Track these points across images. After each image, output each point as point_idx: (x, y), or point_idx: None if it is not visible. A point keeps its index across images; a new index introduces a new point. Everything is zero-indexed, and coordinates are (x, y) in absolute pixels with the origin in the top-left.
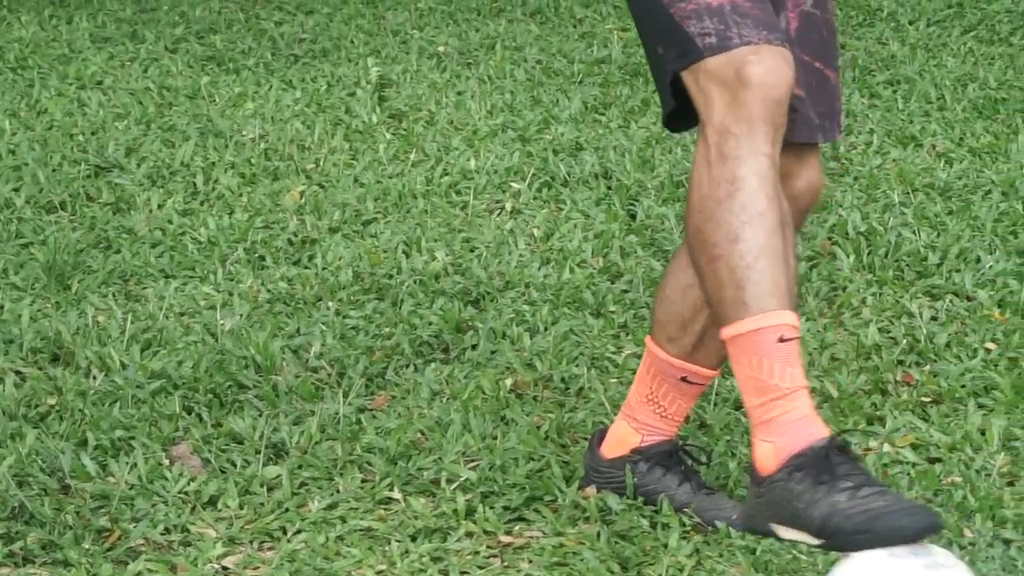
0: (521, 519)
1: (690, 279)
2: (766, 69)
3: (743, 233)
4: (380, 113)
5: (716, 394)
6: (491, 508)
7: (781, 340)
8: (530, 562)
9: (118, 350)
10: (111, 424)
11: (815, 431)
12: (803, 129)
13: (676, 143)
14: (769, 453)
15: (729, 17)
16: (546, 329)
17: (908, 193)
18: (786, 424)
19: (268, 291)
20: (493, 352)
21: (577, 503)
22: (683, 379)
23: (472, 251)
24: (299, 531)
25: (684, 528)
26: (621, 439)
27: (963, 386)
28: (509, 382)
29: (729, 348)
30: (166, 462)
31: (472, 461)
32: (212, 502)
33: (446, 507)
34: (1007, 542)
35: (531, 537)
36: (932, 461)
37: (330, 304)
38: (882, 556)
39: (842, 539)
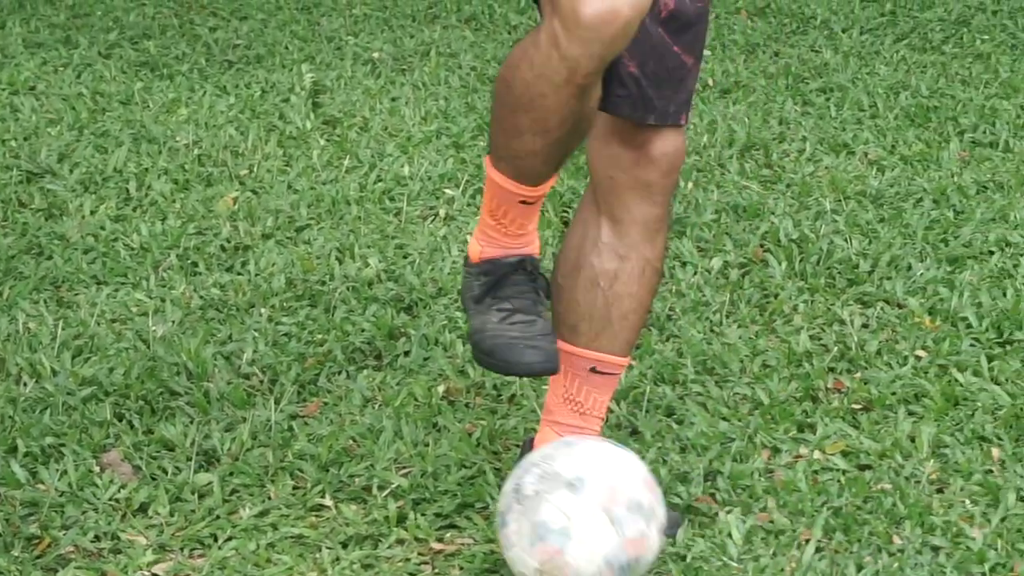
0: (453, 526)
1: (576, 260)
2: (596, 11)
3: (528, 113)
4: (314, 119)
5: (648, 401)
6: (423, 515)
7: (522, 202)
8: (461, 569)
9: (49, 357)
10: (41, 431)
11: (519, 248)
12: (636, 107)
13: None
14: (475, 250)
15: None
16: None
17: (840, 200)
18: (502, 238)
19: (201, 297)
20: (426, 359)
21: None
22: (593, 370)
23: (405, 258)
24: (230, 538)
25: None
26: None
27: (893, 393)
28: (441, 389)
29: (488, 171)
30: (97, 469)
31: (404, 468)
32: (143, 509)
33: (377, 514)
34: (935, 549)
35: (463, 544)
36: (862, 468)
37: (263, 311)
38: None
39: (476, 355)
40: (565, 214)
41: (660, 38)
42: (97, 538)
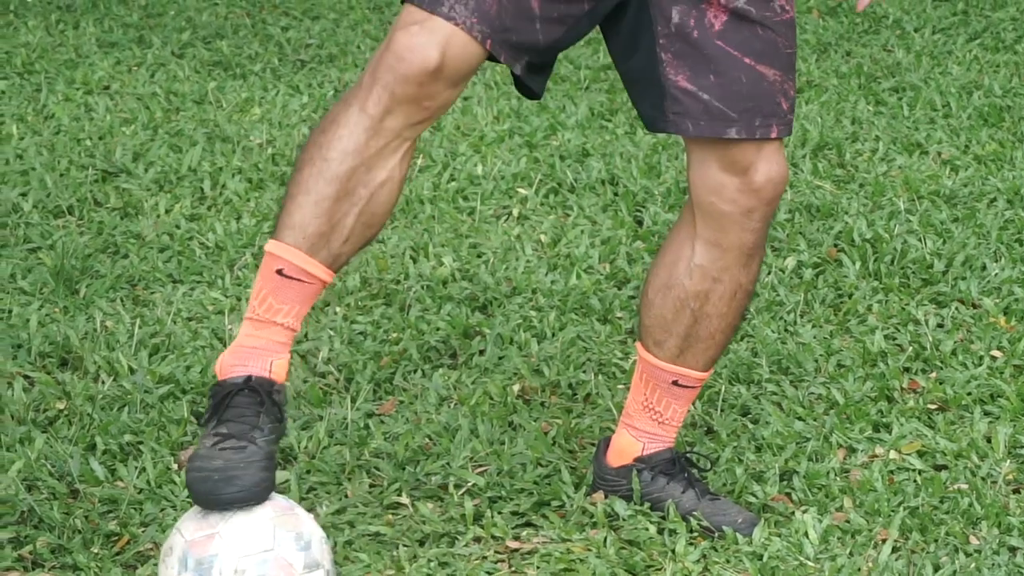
0: (529, 524)
1: (668, 279)
2: (409, 44)
3: (305, 167)
4: None
5: (723, 400)
6: (499, 513)
7: (279, 273)
8: (537, 568)
9: (126, 355)
10: (120, 429)
11: (251, 365)
12: (703, 121)
13: (683, 150)
14: (218, 364)
15: None
16: (553, 335)
17: (914, 200)
18: (241, 346)
19: None
20: (500, 358)
21: (585, 509)
22: (675, 383)
23: (479, 257)
24: None
25: (691, 534)
26: (623, 449)
27: (969, 393)
28: (516, 388)
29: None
30: (174, 467)
31: (480, 466)
32: None
33: (454, 512)
34: (1013, 549)
35: (538, 543)
36: (938, 468)
37: (338, 309)
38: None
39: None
40: (638, 213)
41: (719, 50)
42: None
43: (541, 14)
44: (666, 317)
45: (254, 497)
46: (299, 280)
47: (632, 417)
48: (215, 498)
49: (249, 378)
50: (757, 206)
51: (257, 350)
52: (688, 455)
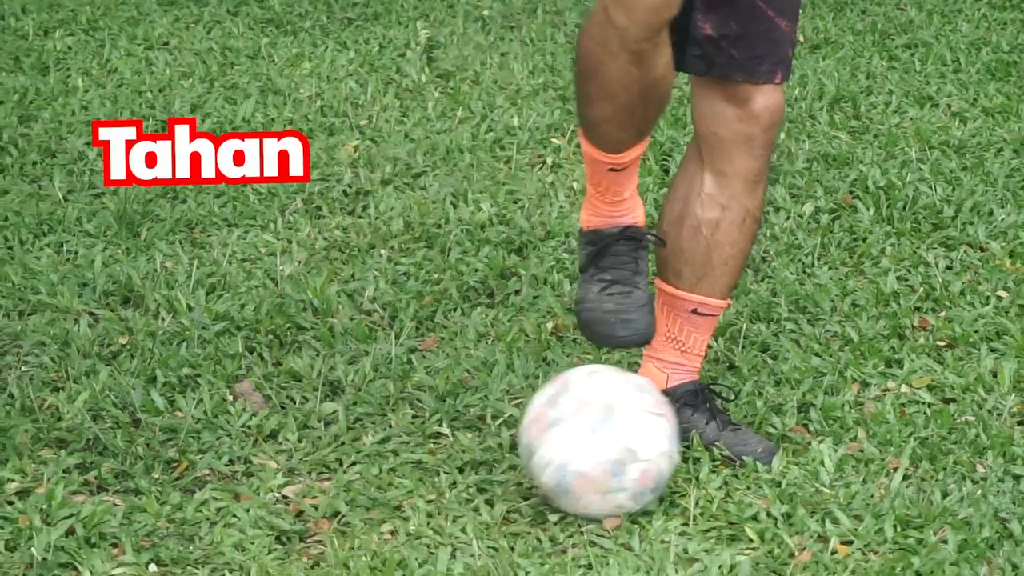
0: None
1: (680, 211)
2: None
3: (596, 102)
4: (429, 73)
5: (744, 337)
6: None
7: (611, 170)
8: None
9: (185, 294)
10: (178, 363)
11: (618, 216)
12: (715, 66)
13: None
14: (584, 219)
15: None
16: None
17: (925, 150)
18: (602, 207)
19: (324, 239)
20: (535, 297)
21: None
22: (694, 311)
23: (515, 203)
24: (354, 463)
25: (714, 462)
26: (653, 381)
27: (976, 331)
28: (550, 325)
29: (581, 143)
30: (230, 398)
31: (516, 399)
32: (273, 436)
33: (492, 441)
34: (1017, 477)
35: None
36: (947, 401)
37: (383, 252)
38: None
39: (579, 325)
40: (664, 162)
41: (749, 2)
42: (231, 462)
43: None
44: (681, 247)
45: (646, 339)
46: (630, 166)
47: (656, 350)
48: (612, 338)
49: (625, 228)
50: (757, 133)
51: (618, 216)
52: (711, 387)
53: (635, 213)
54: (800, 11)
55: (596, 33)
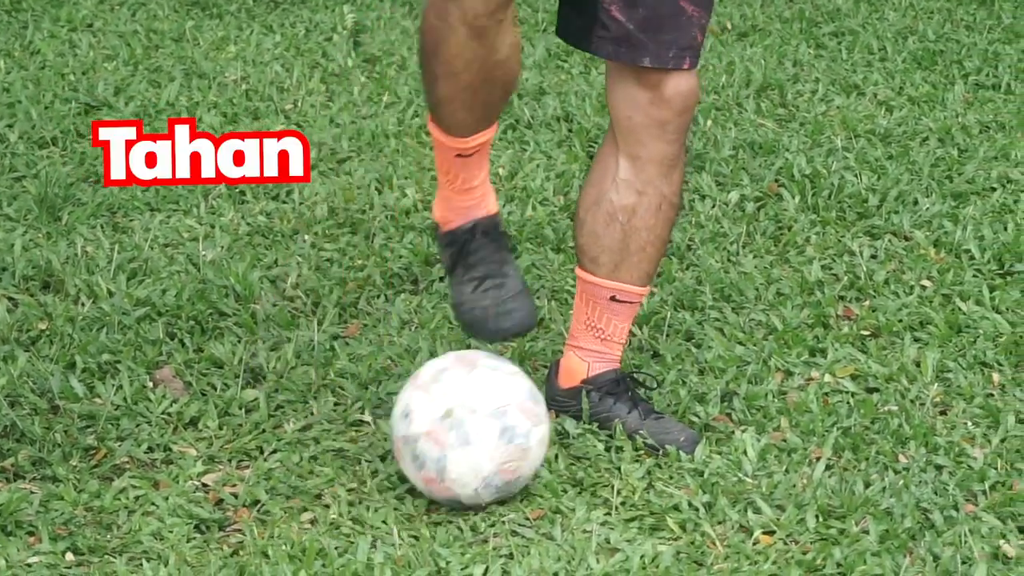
0: None
1: (596, 197)
2: None
3: (440, 81)
4: (355, 57)
5: (669, 326)
6: None
7: (458, 156)
8: None
9: (105, 279)
10: (98, 348)
11: (470, 208)
12: (622, 49)
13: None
14: (437, 215)
15: None
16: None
17: (851, 138)
18: (452, 196)
19: (248, 224)
20: None
21: None
22: (613, 298)
23: None
24: (275, 451)
25: (636, 452)
26: (570, 370)
27: (900, 320)
28: None
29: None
30: (150, 385)
31: None
32: (193, 423)
33: None
34: (939, 467)
35: None
36: (870, 391)
37: (306, 237)
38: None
39: (461, 328)
40: (591, 148)
41: None
42: (150, 449)
43: None
44: (598, 232)
45: (530, 325)
46: (477, 152)
47: (577, 338)
48: (498, 332)
49: (478, 222)
50: (670, 118)
51: (470, 208)
52: (633, 376)
53: (486, 204)
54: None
55: (437, 6)
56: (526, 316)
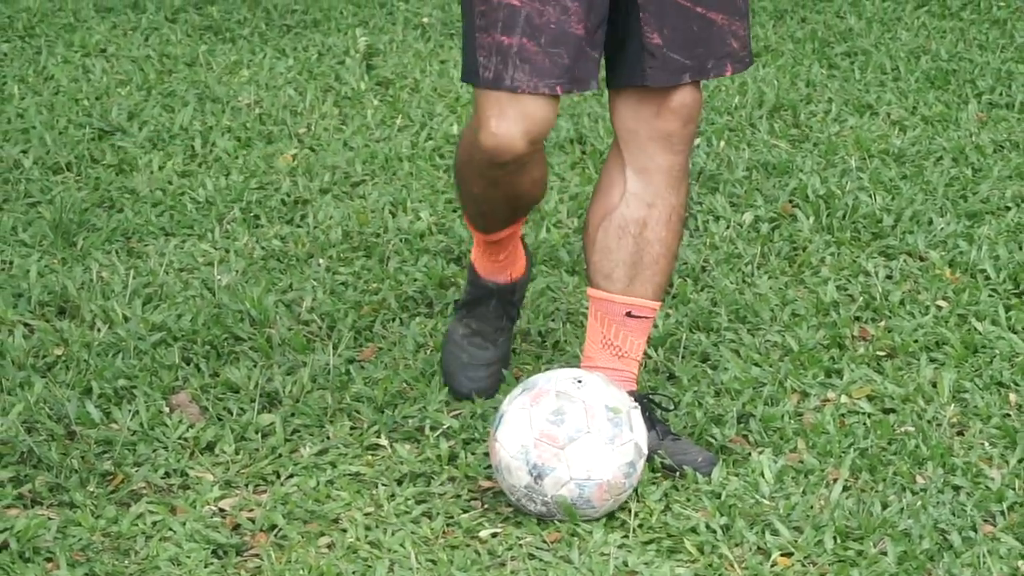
0: None
1: (606, 213)
2: (496, 144)
3: (469, 204)
4: (368, 81)
5: (684, 347)
6: (472, 454)
7: (489, 242)
8: (508, 505)
9: (121, 304)
10: (114, 374)
11: (497, 274)
12: (660, 75)
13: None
14: (474, 256)
15: (512, 59)
16: None
17: (865, 159)
18: (482, 258)
19: (263, 248)
20: None
21: None
22: (628, 314)
23: (454, 211)
24: (292, 475)
25: (654, 474)
26: None
27: (916, 341)
28: None
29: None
30: (166, 410)
31: (454, 410)
32: (210, 448)
33: (430, 453)
34: (956, 488)
35: None
36: (887, 412)
37: (321, 261)
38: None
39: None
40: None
41: (675, 4)
42: (167, 475)
43: (586, 35)
44: (610, 247)
45: (479, 396)
46: (509, 236)
47: (592, 358)
48: (453, 383)
49: (500, 287)
50: (675, 129)
51: (493, 272)
52: (650, 397)
53: (511, 271)
54: (744, 3)
55: (465, 147)
56: (484, 388)
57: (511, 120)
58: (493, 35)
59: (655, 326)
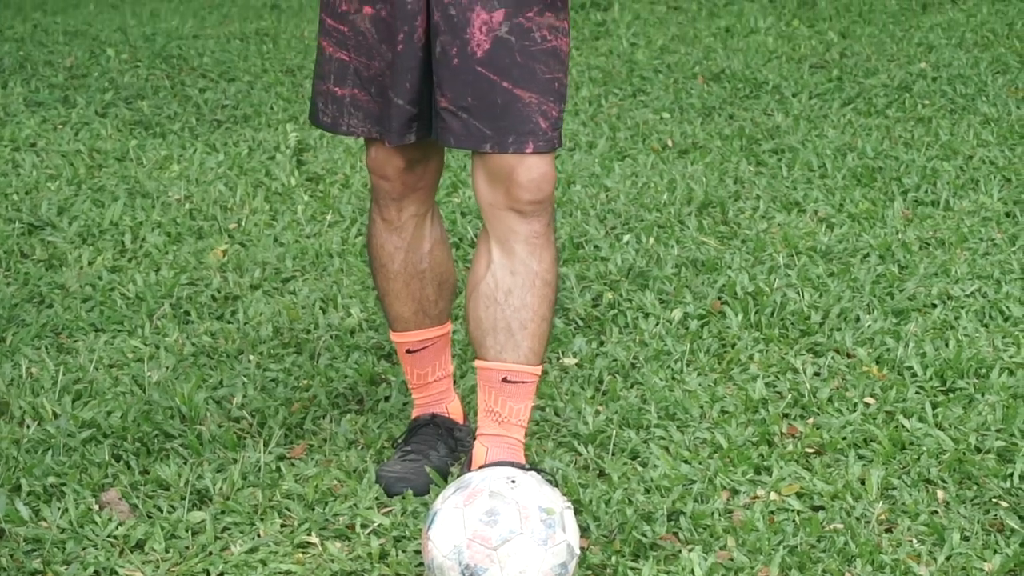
0: None
1: (476, 285)
2: (375, 160)
3: (377, 275)
4: (298, 176)
5: (614, 444)
6: (403, 552)
7: (408, 352)
8: None
9: (50, 400)
10: (43, 471)
11: (433, 407)
12: (462, 137)
13: (573, 208)
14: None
15: (346, 108)
16: (455, 382)
17: (792, 256)
18: (420, 403)
19: (193, 344)
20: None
21: None
22: (504, 379)
23: None
24: (222, 573)
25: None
26: (474, 458)
27: (844, 438)
28: None
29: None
30: (96, 507)
31: (386, 507)
32: (140, 546)
33: (361, 551)
34: None
35: None
36: (816, 509)
37: (251, 357)
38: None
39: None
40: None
41: (479, 75)
42: (96, 573)
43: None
44: (480, 317)
45: (412, 491)
46: (424, 348)
47: (480, 427)
48: (390, 493)
49: (434, 416)
50: (527, 200)
51: (432, 404)
52: (537, 469)
53: (447, 403)
54: (561, 86)
55: (371, 204)
56: (417, 487)
57: (383, 148)
58: (327, 85)
59: (584, 423)
